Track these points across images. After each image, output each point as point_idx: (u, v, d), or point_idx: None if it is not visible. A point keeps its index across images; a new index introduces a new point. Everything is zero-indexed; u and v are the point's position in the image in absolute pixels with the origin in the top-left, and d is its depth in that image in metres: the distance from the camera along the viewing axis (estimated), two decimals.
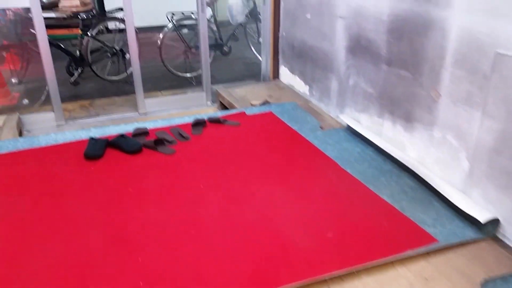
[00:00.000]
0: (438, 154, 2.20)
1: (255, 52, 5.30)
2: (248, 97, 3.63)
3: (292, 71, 3.76)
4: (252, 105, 3.47)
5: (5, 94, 4.07)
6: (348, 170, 2.39)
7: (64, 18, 6.39)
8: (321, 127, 2.97)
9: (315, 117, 3.16)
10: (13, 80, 3.92)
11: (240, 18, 4.99)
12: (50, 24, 6.61)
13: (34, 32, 3.12)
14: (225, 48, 5.01)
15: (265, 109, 3.31)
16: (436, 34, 2.09)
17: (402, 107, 2.41)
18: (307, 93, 3.54)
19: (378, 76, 2.57)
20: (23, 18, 4.37)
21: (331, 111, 3.20)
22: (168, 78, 4.72)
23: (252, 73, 4.76)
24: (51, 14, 6.49)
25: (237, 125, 3.04)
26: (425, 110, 2.25)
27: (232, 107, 3.53)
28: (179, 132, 2.89)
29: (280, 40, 3.88)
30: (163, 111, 3.72)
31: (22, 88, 4.11)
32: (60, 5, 6.65)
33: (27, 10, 3.07)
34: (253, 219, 1.96)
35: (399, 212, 2.00)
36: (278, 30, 3.85)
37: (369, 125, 2.73)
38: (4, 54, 3.95)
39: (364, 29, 2.64)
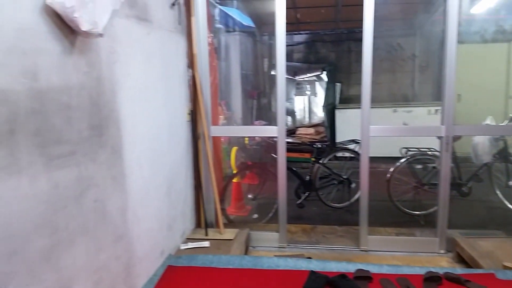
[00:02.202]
0: None
1: (502, 198, 4.45)
2: (497, 255, 2.90)
3: None
4: (505, 267, 2.72)
5: (241, 207, 4.51)
6: None
7: (298, 144, 7.11)
8: None
9: None
10: (249, 196, 4.32)
11: (486, 158, 4.37)
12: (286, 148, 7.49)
13: (274, 155, 3.41)
14: (464, 189, 4.38)
15: None
16: None
17: None
18: None
19: None
20: (267, 143, 4.97)
21: None
22: (392, 213, 4.37)
23: (497, 223, 3.95)
24: (289, 140, 7.35)
25: None
26: None
27: (475, 263, 2.86)
28: (408, 286, 2.43)
29: None
30: (386, 252, 3.35)
31: (254, 203, 4.47)
32: (297, 132, 7.50)
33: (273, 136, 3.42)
34: None
35: None
36: None
37: None
38: (247, 172, 4.46)
39: None
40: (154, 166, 2.58)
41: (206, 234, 3.20)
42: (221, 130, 3.52)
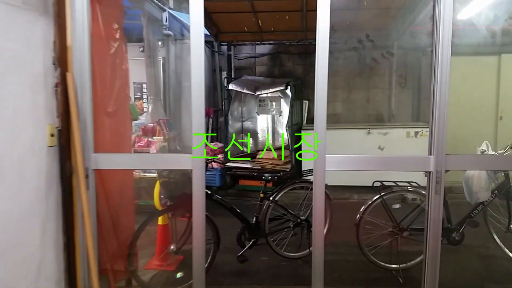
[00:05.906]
0: None
1: (501, 245, 3.49)
2: None
3: None
4: None
5: (166, 258, 3.39)
6: None
7: (258, 170, 6.05)
8: None
9: None
10: (171, 247, 3.18)
11: (483, 195, 3.38)
12: (244, 174, 6.46)
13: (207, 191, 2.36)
14: (455, 235, 3.37)
15: None
16: None
17: None
18: None
19: None
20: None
21: None
22: (362, 267, 3.34)
23: (496, 276, 3.04)
24: (247, 165, 6.28)
25: None
26: None
27: None
28: None
29: None
30: None
31: (185, 254, 3.36)
32: (258, 156, 6.44)
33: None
34: None
35: None
36: None
37: None
38: (173, 212, 3.35)
39: None
40: None
41: None
42: (107, 160, 2.36)
